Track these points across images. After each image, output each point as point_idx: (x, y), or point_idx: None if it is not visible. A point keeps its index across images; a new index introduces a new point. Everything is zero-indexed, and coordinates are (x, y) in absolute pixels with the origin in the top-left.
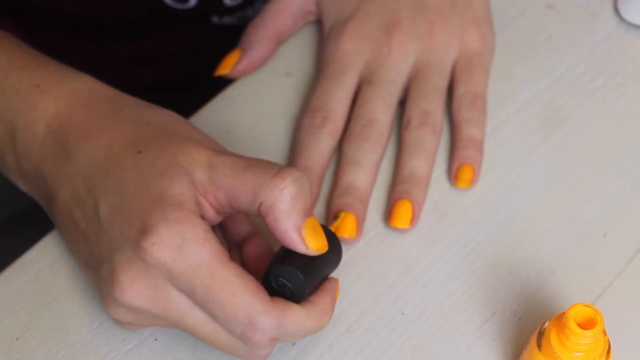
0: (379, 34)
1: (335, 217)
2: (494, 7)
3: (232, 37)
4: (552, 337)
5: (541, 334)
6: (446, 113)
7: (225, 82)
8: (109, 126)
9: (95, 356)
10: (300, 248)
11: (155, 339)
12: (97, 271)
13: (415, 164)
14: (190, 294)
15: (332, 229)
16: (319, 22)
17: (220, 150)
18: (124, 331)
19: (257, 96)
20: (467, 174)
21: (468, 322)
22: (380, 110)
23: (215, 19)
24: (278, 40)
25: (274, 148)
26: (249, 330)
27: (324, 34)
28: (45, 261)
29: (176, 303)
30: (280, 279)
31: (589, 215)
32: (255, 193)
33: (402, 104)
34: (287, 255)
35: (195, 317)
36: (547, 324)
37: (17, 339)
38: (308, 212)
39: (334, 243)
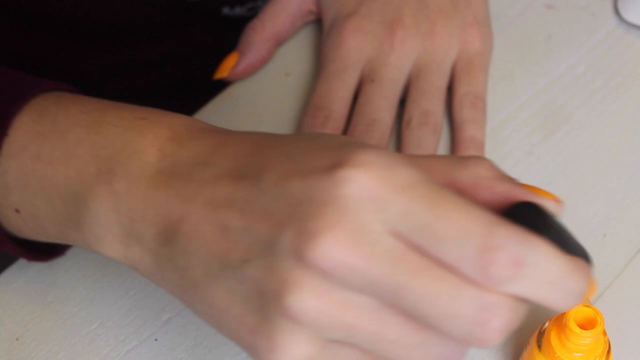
0: (381, 31)
1: None
2: (494, 7)
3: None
4: (552, 337)
5: (541, 334)
6: (445, 113)
7: (225, 85)
8: (233, 135)
9: (95, 356)
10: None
11: (156, 339)
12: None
13: None
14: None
15: None
16: (319, 22)
17: None
18: (124, 331)
19: (257, 96)
20: None
21: None
22: (383, 109)
23: (226, 10)
24: (276, 42)
25: None
26: (485, 254)
27: (324, 30)
28: None
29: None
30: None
31: (589, 215)
32: None
33: (402, 102)
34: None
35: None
36: (547, 324)
37: (17, 339)
38: None
39: None
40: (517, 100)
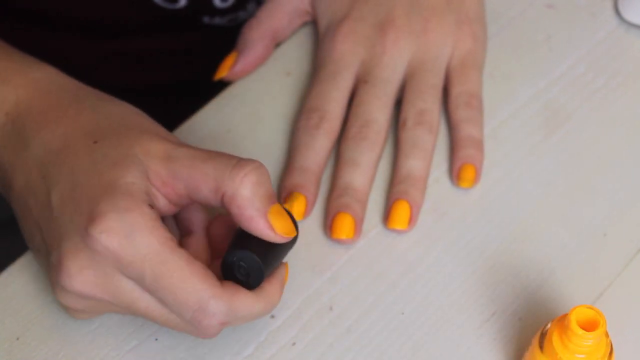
0: (374, 33)
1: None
2: (494, 8)
3: (227, 40)
4: (555, 338)
5: (543, 335)
6: (442, 112)
7: (222, 86)
8: (67, 116)
9: (95, 356)
10: (269, 234)
11: (156, 339)
12: (48, 258)
13: (412, 163)
14: (139, 281)
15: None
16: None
17: (179, 143)
18: (124, 331)
19: (258, 96)
20: (469, 173)
21: (468, 322)
22: (377, 109)
23: (206, 19)
24: (273, 38)
25: (275, 148)
26: (200, 315)
27: (319, 35)
28: None
29: (126, 289)
30: (242, 263)
31: (589, 215)
32: (217, 183)
33: (399, 103)
34: (248, 240)
35: (146, 301)
36: (549, 326)
37: (18, 339)
38: (271, 199)
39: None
40: (517, 100)
